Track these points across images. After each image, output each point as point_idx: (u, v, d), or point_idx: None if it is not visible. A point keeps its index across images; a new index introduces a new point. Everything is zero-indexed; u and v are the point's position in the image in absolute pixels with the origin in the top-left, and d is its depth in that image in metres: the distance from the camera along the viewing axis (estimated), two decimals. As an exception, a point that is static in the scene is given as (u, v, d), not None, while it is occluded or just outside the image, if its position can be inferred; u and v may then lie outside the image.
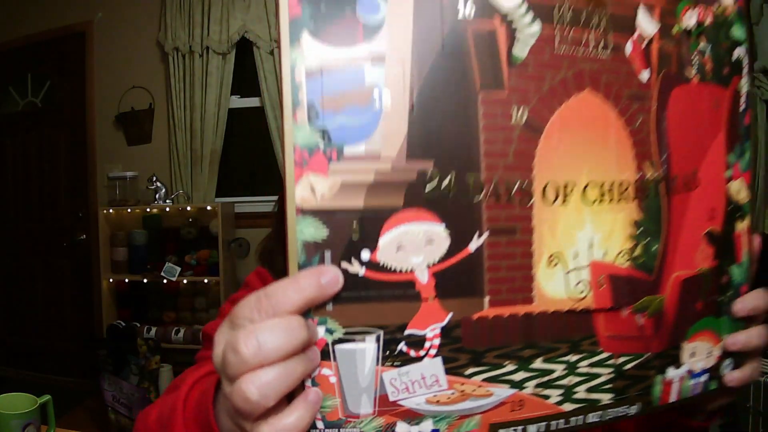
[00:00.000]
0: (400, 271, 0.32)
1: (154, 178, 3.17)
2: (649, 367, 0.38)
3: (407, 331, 0.33)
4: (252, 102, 3.39)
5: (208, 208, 3.12)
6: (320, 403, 0.32)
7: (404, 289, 0.32)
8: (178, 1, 3.23)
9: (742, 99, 0.42)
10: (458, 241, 0.32)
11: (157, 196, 3.17)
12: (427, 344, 0.33)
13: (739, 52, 0.41)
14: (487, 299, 0.33)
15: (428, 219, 0.32)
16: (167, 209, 3.17)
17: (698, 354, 0.40)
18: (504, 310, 0.33)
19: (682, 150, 0.38)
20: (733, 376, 0.41)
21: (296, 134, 0.30)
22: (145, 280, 3.15)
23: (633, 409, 0.38)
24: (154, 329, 3.05)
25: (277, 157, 3.15)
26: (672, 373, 0.39)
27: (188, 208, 3.18)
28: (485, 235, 0.33)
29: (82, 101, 3.46)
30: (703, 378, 0.40)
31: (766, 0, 2.28)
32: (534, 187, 0.33)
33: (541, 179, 0.34)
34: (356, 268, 0.32)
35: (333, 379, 0.33)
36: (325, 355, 0.32)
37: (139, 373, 2.80)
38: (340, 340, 0.32)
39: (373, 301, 0.32)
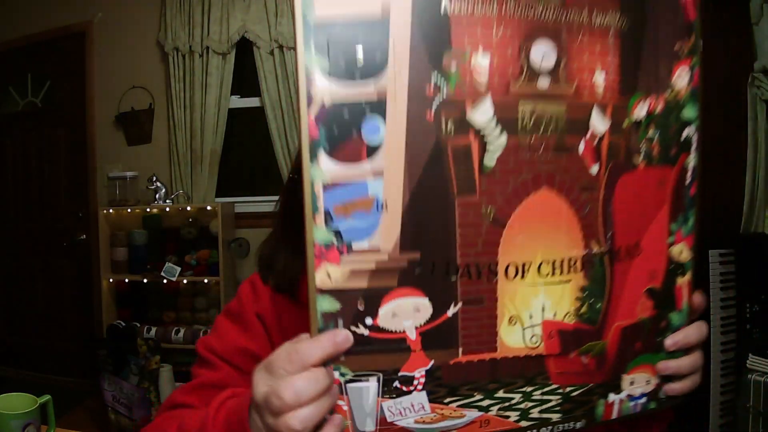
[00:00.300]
0: (395, 332, 0.43)
1: (154, 178, 3.17)
2: (592, 393, 0.48)
3: (400, 373, 0.44)
4: (252, 102, 3.39)
5: (208, 208, 3.12)
6: (342, 426, 0.43)
7: (398, 344, 0.43)
8: (178, 1, 3.23)
9: (689, 173, 0.48)
10: (439, 309, 0.42)
11: (157, 196, 3.16)
12: (415, 382, 0.44)
13: (689, 131, 0.48)
14: (460, 349, 0.44)
15: (416, 294, 0.42)
16: (167, 209, 3.17)
17: (637, 382, 0.49)
18: (473, 357, 0.44)
19: (626, 226, 0.46)
20: (672, 387, 0.50)
21: (316, 234, 0.39)
22: (145, 280, 3.15)
23: (579, 424, 0.48)
24: (154, 329, 3.05)
25: (277, 157, 3.15)
26: (613, 397, 0.48)
27: (188, 208, 3.18)
28: (459, 305, 0.43)
29: (82, 101, 3.46)
30: (642, 400, 0.49)
31: (766, 0, 2.28)
32: (498, 267, 0.43)
33: (503, 261, 0.43)
34: (362, 331, 0.43)
35: (345, 407, 0.44)
36: (339, 390, 0.43)
37: (139, 373, 2.80)
38: (351, 380, 0.43)
39: (375, 353, 0.43)
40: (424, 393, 0.44)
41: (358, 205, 0.39)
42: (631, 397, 0.49)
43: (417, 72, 0.39)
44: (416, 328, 0.43)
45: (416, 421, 0.44)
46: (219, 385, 0.59)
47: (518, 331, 0.45)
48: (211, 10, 3.19)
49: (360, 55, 0.38)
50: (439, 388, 0.44)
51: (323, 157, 0.38)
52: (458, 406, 0.44)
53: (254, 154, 3.42)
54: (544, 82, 0.42)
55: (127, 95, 3.36)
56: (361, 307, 0.41)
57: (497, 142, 0.41)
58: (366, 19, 0.38)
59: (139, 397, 2.73)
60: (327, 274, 0.40)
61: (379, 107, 0.39)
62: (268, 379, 0.42)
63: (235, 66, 3.24)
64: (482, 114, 0.40)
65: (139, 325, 3.11)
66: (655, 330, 0.49)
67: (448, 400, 0.44)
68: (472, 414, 0.45)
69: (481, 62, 0.40)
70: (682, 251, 0.48)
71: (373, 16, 0.39)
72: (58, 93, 3.58)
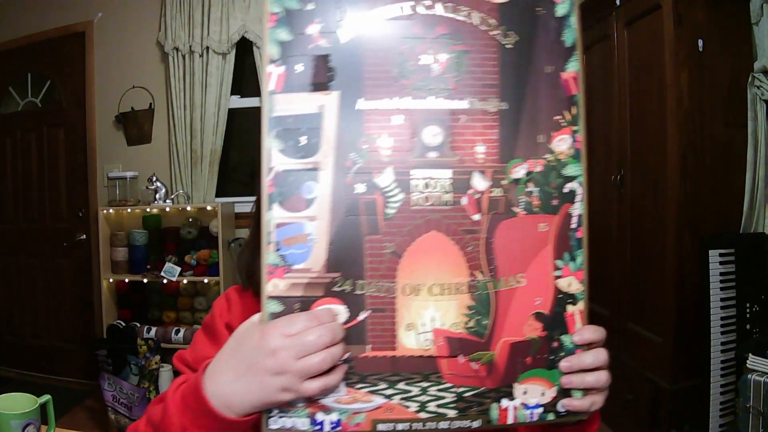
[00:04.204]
0: None
1: (154, 178, 3.17)
2: (485, 396, 0.57)
3: None
4: (252, 102, 3.39)
5: (208, 208, 3.13)
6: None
7: None
8: (178, 1, 3.23)
9: (574, 219, 0.59)
10: (353, 314, 0.56)
11: (157, 196, 3.17)
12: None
13: (572, 186, 0.59)
14: (369, 346, 0.56)
15: (336, 302, 0.56)
16: (167, 209, 3.17)
17: (530, 393, 0.58)
18: (378, 353, 0.56)
19: (508, 261, 0.57)
20: (571, 402, 0.58)
21: (268, 257, 0.55)
22: (145, 280, 3.15)
23: (475, 424, 0.57)
24: (154, 329, 3.05)
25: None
26: (506, 403, 0.58)
27: (188, 208, 3.18)
28: (368, 312, 0.56)
29: (82, 101, 3.47)
30: (538, 410, 0.58)
31: (766, 0, 2.28)
32: (396, 287, 0.56)
33: (401, 282, 0.56)
34: None
35: None
36: None
37: (139, 373, 2.80)
38: None
39: None
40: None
41: (298, 239, 0.56)
42: (525, 406, 0.58)
43: (340, 150, 0.56)
44: None
45: (335, 401, 0.56)
46: None
47: (413, 336, 0.57)
48: (211, 10, 3.19)
49: (303, 140, 0.56)
50: (352, 375, 0.56)
51: (276, 206, 0.55)
52: (367, 392, 0.56)
53: (254, 154, 3.41)
54: (433, 155, 0.57)
55: (127, 95, 3.37)
56: (297, 310, 0.55)
57: (396, 198, 0.56)
58: (307, 114, 0.56)
59: (139, 397, 2.73)
60: (275, 285, 0.55)
61: (314, 174, 0.56)
62: (282, 339, 0.52)
63: (235, 66, 3.24)
64: (385, 179, 0.56)
65: (139, 325, 3.11)
66: (547, 349, 0.58)
67: (359, 386, 0.56)
68: (379, 400, 0.56)
69: (385, 143, 0.56)
70: (570, 283, 0.59)
71: (312, 112, 0.56)
72: (58, 93, 3.59)
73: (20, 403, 1.00)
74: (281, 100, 0.56)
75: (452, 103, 0.57)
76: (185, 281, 3.13)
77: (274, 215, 0.55)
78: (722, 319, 2.21)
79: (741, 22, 2.34)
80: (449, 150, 0.57)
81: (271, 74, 0.56)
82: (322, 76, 0.56)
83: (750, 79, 2.30)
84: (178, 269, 3.04)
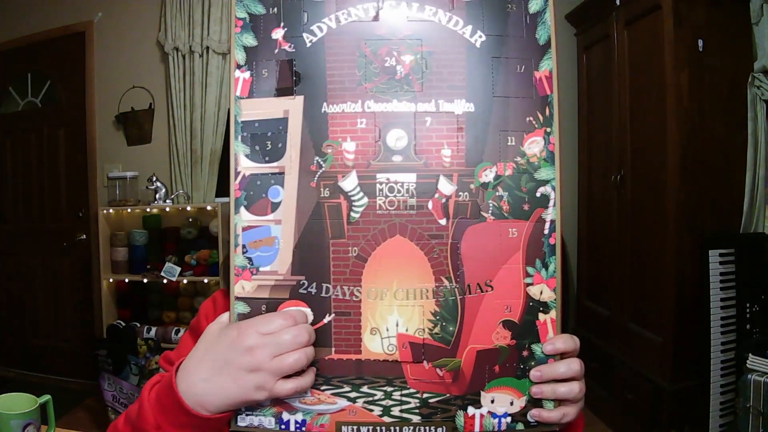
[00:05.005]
0: None
1: (154, 178, 3.17)
2: (450, 403, 0.57)
3: None
4: (252, 102, 3.39)
5: (208, 208, 3.12)
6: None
7: None
8: (178, 1, 3.23)
9: (547, 225, 0.57)
10: (318, 317, 0.56)
11: (157, 196, 3.16)
12: None
13: (544, 189, 0.57)
14: (333, 349, 0.57)
15: (301, 305, 0.56)
16: (167, 209, 3.17)
17: (498, 401, 0.57)
18: (343, 356, 0.57)
19: (475, 267, 0.56)
20: (540, 413, 0.56)
21: (236, 260, 0.56)
22: (145, 280, 3.15)
23: (440, 431, 0.57)
24: (154, 329, 3.05)
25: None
26: (473, 411, 0.57)
27: (188, 208, 3.18)
28: (333, 315, 0.56)
29: (82, 101, 3.46)
30: (506, 419, 0.57)
31: (766, 0, 2.28)
32: (361, 291, 0.56)
33: (366, 287, 0.56)
34: None
35: None
36: None
37: (139, 373, 2.80)
38: None
39: None
40: None
41: (264, 242, 0.56)
42: (493, 414, 0.57)
43: (305, 155, 0.56)
44: None
45: (300, 402, 0.56)
46: None
47: (378, 340, 0.57)
48: (211, 10, 3.19)
49: (269, 144, 0.57)
50: (317, 377, 0.56)
51: (243, 210, 0.56)
52: (331, 394, 0.57)
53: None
54: (397, 158, 0.56)
55: (127, 95, 3.36)
56: (264, 311, 0.56)
57: (360, 202, 0.56)
58: (272, 119, 0.57)
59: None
60: (242, 287, 0.56)
61: (279, 178, 0.56)
62: (259, 337, 0.53)
63: (235, 66, 3.24)
64: (349, 183, 0.56)
65: (139, 325, 3.11)
66: (516, 357, 0.57)
67: (324, 387, 0.57)
68: (342, 402, 0.57)
69: (349, 147, 0.56)
70: (542, 291, 0.57)
71: (277, 117, 0.56)
72: (58, 93, 3.58)
73: (20, 403, 1.00)
74: (247, 105, 0.57)
75: (417, 106, 0.56)
76: (185, 281, 3.12)
77: (240, 219, 0.56)
78: (722, 319, 2.22)
79: (741, 22, 2.34)
80: (414, 153, 0.56)
81: (237, 79, 0.57)
82: (287, 81, 0.56)
83: (750, 79, 2.31)
84: (178, 269, 3.04)
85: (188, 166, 3.27)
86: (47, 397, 1.04)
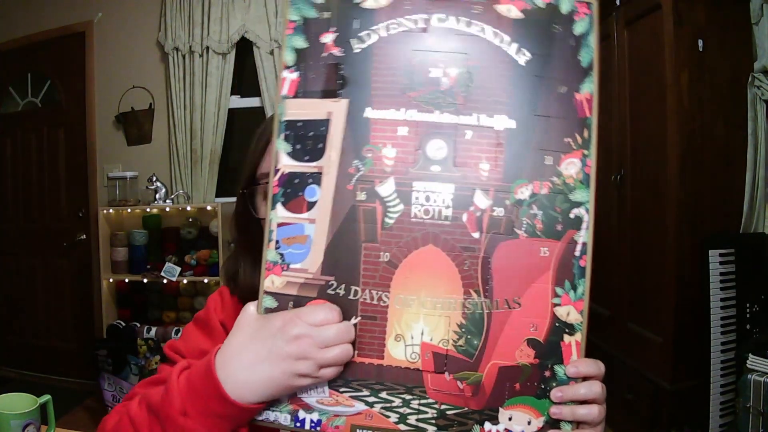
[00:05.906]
0: None
1: (154, 178, 3.17)
2: (468, 417, 0.57)
3: None
4: (252, 102, 3.39)
5: (208, 208, 3.12)
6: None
7: None
8: (178, 1, 3.23)
9: (578, 247, 0.57)
10: (344, 319, 0.56)
11: (157, 196, 3.17)
12: None
13: (578, 211, 0.57)
14: (356, 352, 0.56)
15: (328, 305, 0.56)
16: (167, 209, 3.17)
17: (516, 419, 0.56)
18: (365, 359, 0.57)
19: (505, 283, 0.56)
20: None
21: (268, 254, 0.57)
22: (145, 280, 3.15)
23: None
24: (154, 329, 3.05)
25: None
26: (489, 426, 0.57)
27: (188, 208, 3.18)
28: (359, 318, 0.57)
29: (82, 101, 3.46)
30: None
31: (766, 0, 2.28)
32: (390, 296, 0.57)
33: (394, 293, 0.57)
34: None
35: None
36: None
37: (139, 373, 2.80)
38: None
39: None
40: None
41: (297, 239, 0.57)
42: None
43: (345, 157, 0.57)
44: None
45: (317, 401, 0.57)
46: None
47: (401, 347, 0.57)
48: (211, 10, 3.19)
49: (310, 144, 0.57)
50: (337, 379, 0.56)
51: (279, 206, 0.57)
52: (350, 397, 0.57)
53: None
54: (436, 168, 0.57)
55: (127, 95, 3.36)
56: (291, 308, 0.57)
57: (396, 208, 0.57)
58: (316, 119, 0.58)
59: (139, 397, 2.73)
60: (272, 281, 0.57)
61: (317, 178, 0.57)
62: (305, 327, 0.53)
63: (235, 66, 3.24)
64: (386, 189, 0.57)
65: (139, 325, 3.11)
66: (538, 377, 0.57)
67: (342, 389, 0.57)
68: (360, 406, 0.57)
69: (389, 153, 0.57)
70: (569, 312, 0.57)
71: (321, 118, 0.58)
72: (58, 93, 3.58)
73: (20, 403, 1.00)
74: (292, 105, 0.58)
75: (459, 118, 0.57)
76: (185, 281, 3.13)
77: (276, 215, 0.57)
78: (722, 319, 2.22)
79: (741, 22, 2.34)
80: (453, 165, 0.57)
81: (285, 79, 0.58)
82: (332, 84, 0.58)
83: (750, 79, 2.30)
84: (178, 269, 3.04)
85: (188, 166, 3.27)
86: (47, 397, 1.04)
